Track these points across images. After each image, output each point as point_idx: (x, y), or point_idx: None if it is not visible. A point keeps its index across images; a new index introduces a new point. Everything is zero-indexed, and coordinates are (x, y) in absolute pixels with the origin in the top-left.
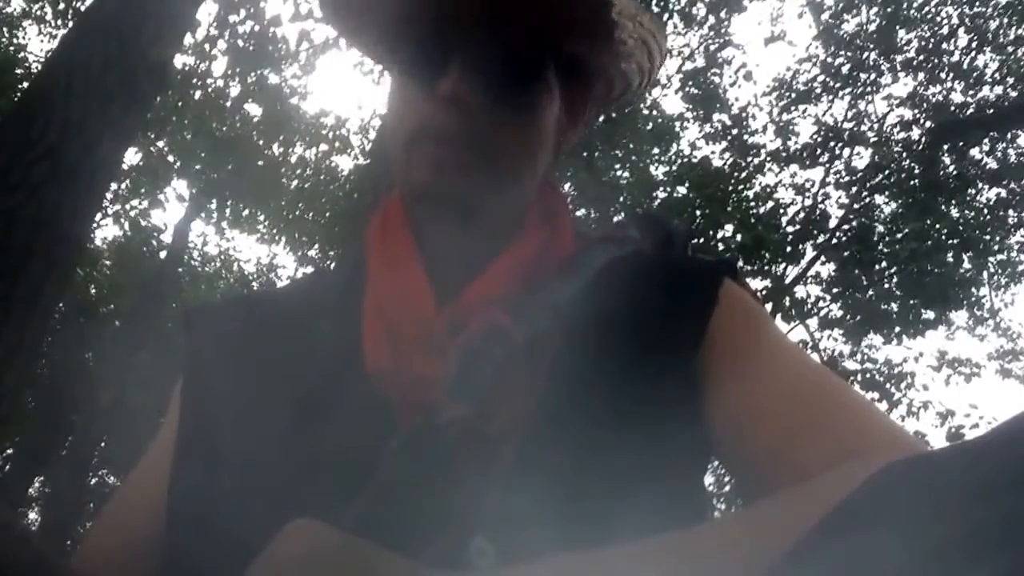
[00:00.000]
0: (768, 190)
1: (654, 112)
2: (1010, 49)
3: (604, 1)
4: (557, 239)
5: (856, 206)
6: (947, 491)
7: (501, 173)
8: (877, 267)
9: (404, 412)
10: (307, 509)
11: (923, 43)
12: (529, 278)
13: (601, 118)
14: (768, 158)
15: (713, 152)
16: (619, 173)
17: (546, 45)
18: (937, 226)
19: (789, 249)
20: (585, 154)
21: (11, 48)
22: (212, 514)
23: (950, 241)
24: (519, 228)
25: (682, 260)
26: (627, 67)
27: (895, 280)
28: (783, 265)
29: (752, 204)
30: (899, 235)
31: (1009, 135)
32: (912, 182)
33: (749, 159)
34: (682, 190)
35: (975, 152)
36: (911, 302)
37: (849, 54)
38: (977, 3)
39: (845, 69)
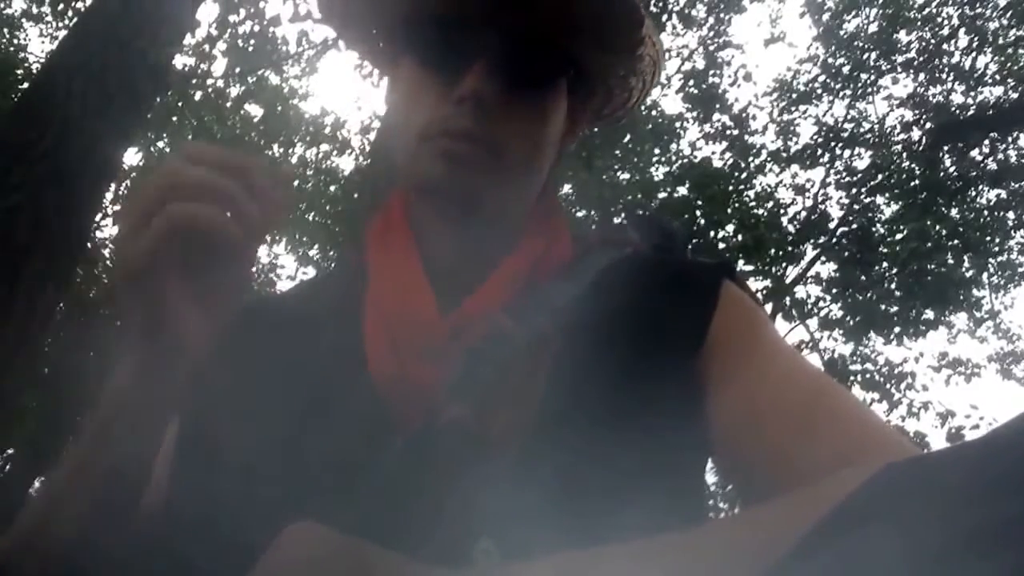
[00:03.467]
0: (768, 190)
1: (654, 112)
2: (1010, 50)
3: (639, 20)
4: (556, 244)
5: (856, 207)
6: (948, 492)
7: (509, 174)
8: (877, 268)
9: (405, 415)
10: (309, 512)
11: (923, 44)
12: (530, 284)
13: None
14: (768, 158)
15: (713, 152)
16: (619, 173)
17: (566, 52)
18: (937, 227)
19: (789, 249)
20: (585, 154)
21: (11, 48)
22: (213, 517)
23: (950, 242)
24: (519, 233)
25: (681, 261)
26: (635, 82)
27: (895, 281)
28: (783, 265)
29: (752, 204)
30: (899, 236)
31: (1009, 136)
32: (912, 183)
33: (749, 159)
34: (682, 190)
35: (975, 153)
36: (911, 303)
37: (849, 54)
38: (977, 4)
39: (845, 70)
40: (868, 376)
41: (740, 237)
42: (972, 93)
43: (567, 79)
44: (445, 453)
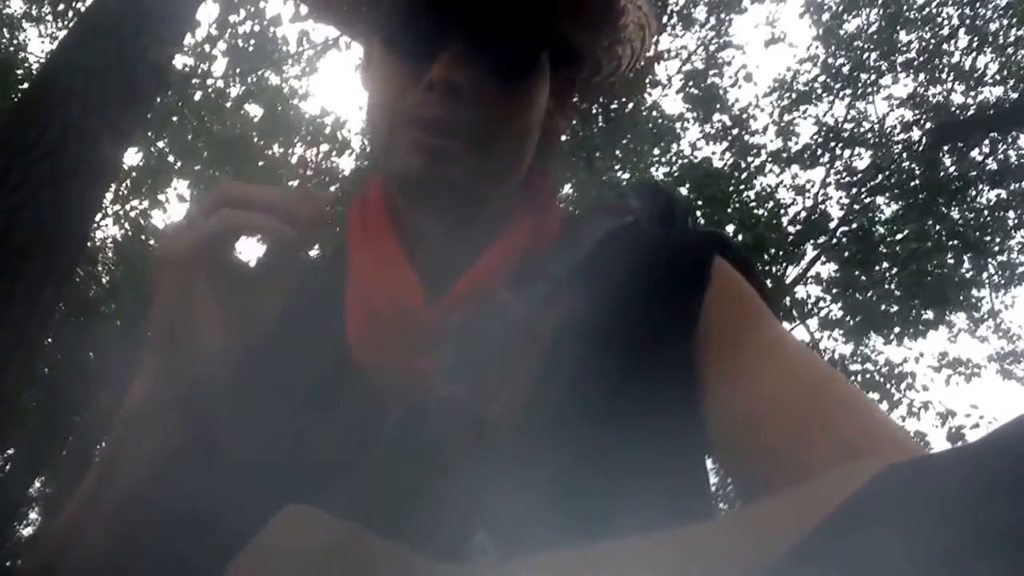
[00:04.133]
0: (768, 190)
1: (654, 112)
2: (1011, 50)
3: None
4: (545, 227)
5: (856, 207)
6: (951, 493)
7: (490, 163)
8: (877, 268)
9: (396, 399)
10: (302, 500)
11: (923, 44)
12: (519, 267)
13: (601, 119)
14: (768, 159)
15: (713, 153)
16: (619, 173)
17: (544, 31)
18: (937, 227)
19: (789, 249)
20: (585, 154)
21: (11, 48)
22: (207, 509)
23: (950, 242)
24: (506, 216)
25: (674, 236)
26: (622, 51)
27: (895, 281)
28: (783, 265)
29: (752, 204)
30: (899, 236)
31: (1010, 136)
32: (912, 183)
33: (749, 159)
34: (682, 191)
35: (975, 153)
36: (911, 303)
37: (849, 54)
38: (977, 4)
39: (845, 70)
40: (868, 376)
41: (740, 237)
42: (972, 93)
43: (547, 57)
44: (440, 432)
